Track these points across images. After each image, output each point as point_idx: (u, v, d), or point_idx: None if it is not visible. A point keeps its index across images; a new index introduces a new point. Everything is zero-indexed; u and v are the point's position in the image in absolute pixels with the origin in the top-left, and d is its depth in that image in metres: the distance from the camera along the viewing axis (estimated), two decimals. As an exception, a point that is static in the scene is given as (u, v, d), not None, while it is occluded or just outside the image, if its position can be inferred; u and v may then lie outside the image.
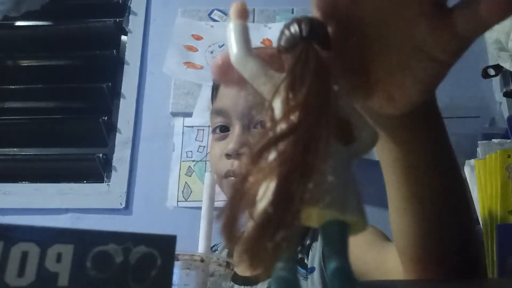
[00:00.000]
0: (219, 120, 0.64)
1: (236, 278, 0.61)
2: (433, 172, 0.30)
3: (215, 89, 0.68)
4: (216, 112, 0.65)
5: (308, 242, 0.60)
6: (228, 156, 0.60)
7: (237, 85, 0.24)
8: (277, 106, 0.19)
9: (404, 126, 0.28)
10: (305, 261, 0.58)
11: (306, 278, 0.57)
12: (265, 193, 0.16)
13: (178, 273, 0.35)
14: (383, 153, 0.31)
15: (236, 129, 0.61)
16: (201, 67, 1.33)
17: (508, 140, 0.79)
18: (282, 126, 0.18)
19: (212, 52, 1.35)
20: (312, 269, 0.57)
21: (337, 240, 0.17)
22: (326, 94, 0.18)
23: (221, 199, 0.49)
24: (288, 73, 0.20)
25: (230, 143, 0.60)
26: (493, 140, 0.80)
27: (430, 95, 0.27)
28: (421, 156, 0.29)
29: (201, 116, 1.29)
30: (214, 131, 0.66)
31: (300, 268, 0.58)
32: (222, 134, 0.64)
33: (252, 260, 0.15)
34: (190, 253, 0.36)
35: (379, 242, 0.50)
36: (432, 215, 0.31)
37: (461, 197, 0.33)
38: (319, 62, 0.19)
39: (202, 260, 0.36)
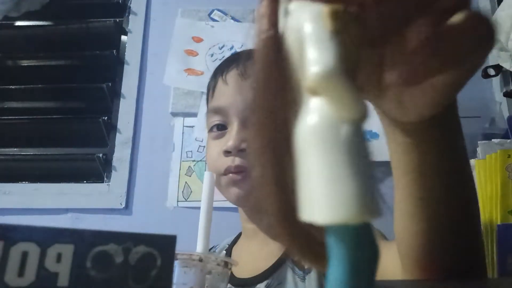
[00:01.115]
0: (216, 119, 0.64)
1: (232, 280, 0.60)
2: (447, 177, 0.29)
3: (211, 89, 0.67)
4: (214, 110, 0.65)
5: None
6: (227, 153, 0.60)
7: None
8: None
9: (419, 129, 0.26)
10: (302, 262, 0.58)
11: (303, 279, 0.57)
12: None
13: (176, 272, 0.35)
14: (396, 153, 0.30)
15: (234, 126, 0.61)
16: (202, 73, 1.33)
17: (508, 140, 0.80)
18: None
19: (212, 55, 1.35)
20: (309, 270, 0.57)
21: None
22: None
23: (218, 199, 0.49)
24: None
25: (230, 140, 0.60)
26: (493, 140, 0.80)
27: (447, 103, 0.24)
28: (436, 160, 0.28)
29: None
30: (211, 130, 0.65)
31: (297, 269, 0.58)
32: (219, 132, 0.64)
33: None
34: (188, 253, 0.36)
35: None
36: (442, 220, 0.31)
37: (472, 203, 0.32)
38: None
39: (200, 260, 0.36)
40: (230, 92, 0.63)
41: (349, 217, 0.13)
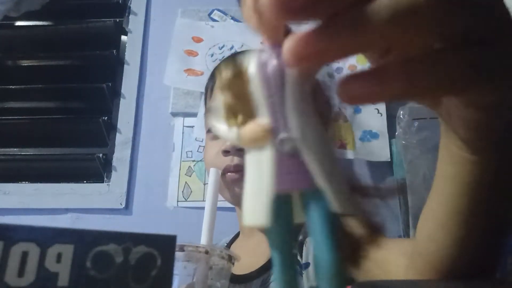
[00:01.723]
0: None
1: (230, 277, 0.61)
2: (493, 196, 0.29)
3: (209, 89, 0.68)
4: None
5: (300, 238, 0.60)
6: (225, 152, 0.60)
7: None
8: None
9: (475, 146, 0.25)
10: (298, 257, 0.58)
11: (300, 274, 0.57)
12: None
13: (181, 264, 0.35)
14: (447, 164, 0.29)
15: None
16: (201, 73, 1.33)
17: (508, 140, 0.79)
18: None
19: (212, 55, 1.35)
20: (307, 265, 0.57)
21: None
22: None
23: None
24: None
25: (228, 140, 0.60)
26: (493, 140, 0.80)
27: (497, 124, 0.23)
28: (487, 179, 0.27)
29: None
30: (209, 130, 0.66)
31: None
32: None
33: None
34: (195, 245, 0.36)
35: None
36: (474, 235, 0.30)
37: (507, 221, 0.32)
38: None
39: (206, 252, 0.36)
40: None
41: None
